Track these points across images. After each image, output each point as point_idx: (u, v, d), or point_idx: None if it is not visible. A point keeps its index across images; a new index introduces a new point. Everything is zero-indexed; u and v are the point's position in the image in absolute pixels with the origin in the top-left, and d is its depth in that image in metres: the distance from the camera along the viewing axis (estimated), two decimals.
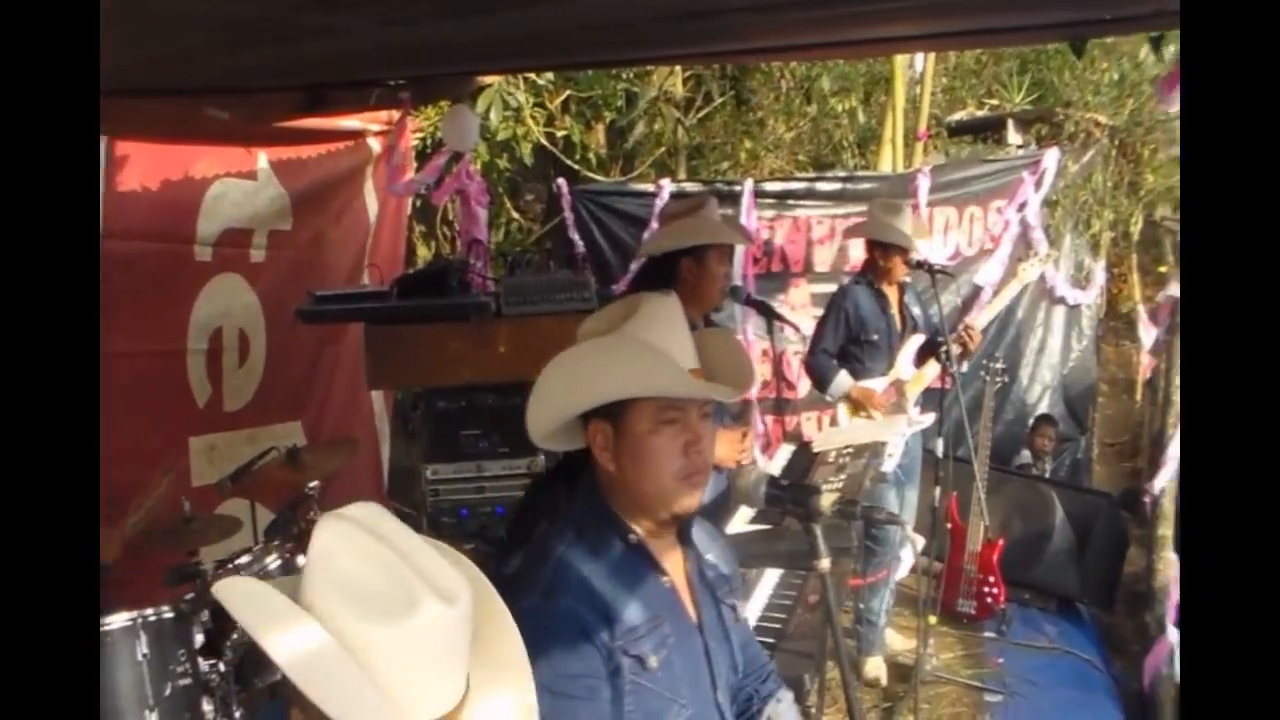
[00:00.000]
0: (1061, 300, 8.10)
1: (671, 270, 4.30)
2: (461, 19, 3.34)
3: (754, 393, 7.18)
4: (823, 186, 8.05)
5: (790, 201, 7.91)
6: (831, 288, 6.71)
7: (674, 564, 2.37)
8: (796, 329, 6.34)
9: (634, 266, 7.03)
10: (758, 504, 2.38)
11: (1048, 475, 7.69)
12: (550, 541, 2.28)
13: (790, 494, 2.37)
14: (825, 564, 2.33)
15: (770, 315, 4.95)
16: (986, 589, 6.11)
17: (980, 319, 6.13)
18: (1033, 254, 7.10)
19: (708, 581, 2.45)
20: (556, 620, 2.13)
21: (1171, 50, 5.91)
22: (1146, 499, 5.83)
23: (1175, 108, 5.07)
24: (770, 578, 3.94)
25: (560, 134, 9.35)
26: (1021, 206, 7.87)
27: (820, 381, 5.69)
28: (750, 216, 7.66)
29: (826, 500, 2.34)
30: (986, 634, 6.13)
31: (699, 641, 2.34)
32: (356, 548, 1.58)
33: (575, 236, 7.64)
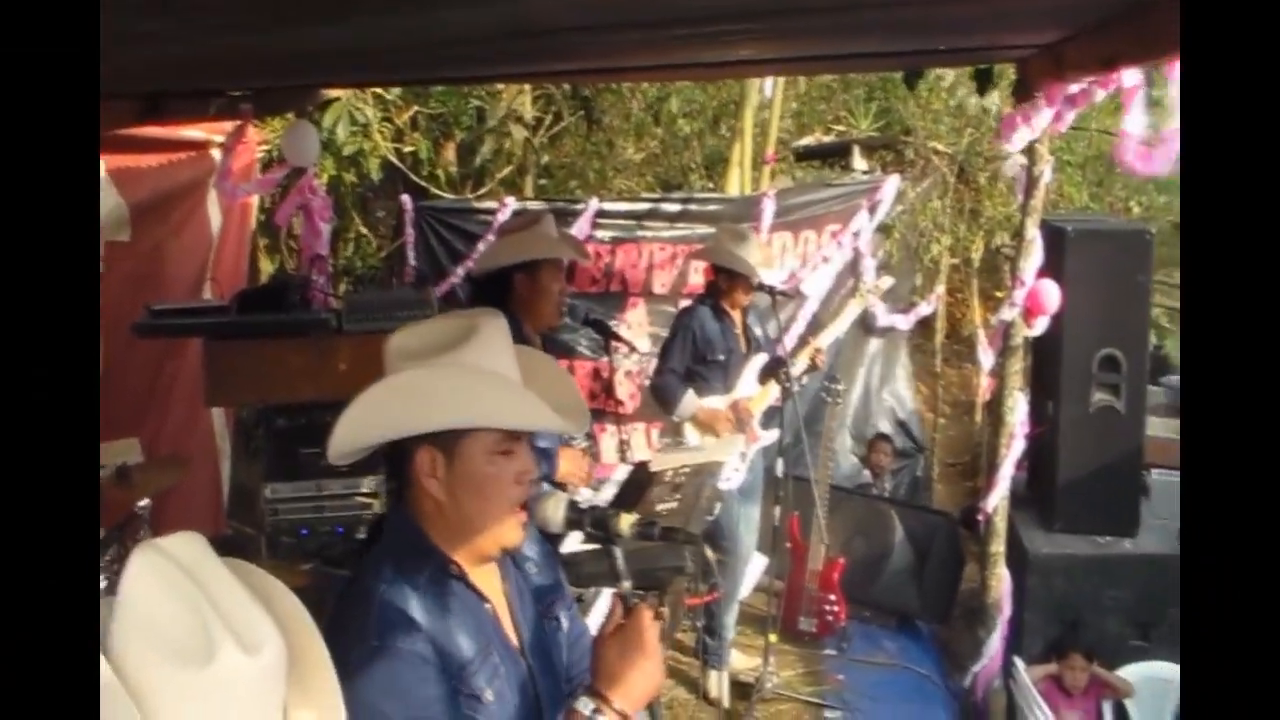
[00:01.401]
0: (880, 325, 8.28)
1: (506, 286, 4.28)
2: (300, 29, 3.29)
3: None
4: (669, 208, 8.12)
5: (635, 223, 7.95)
6: (670, 309, 6.77)
7: (493, 588, 2.32)
8: (633, 349, 6.38)
9: (459, 277, 7.03)
10: (557, 528, 2.36)
11: (888, 493, 7.83)
12: (368, 582, 2.18)
13: (589, 516, 2.36)
14: (626, 585, 2.32)
15: (608, 335, 4.96)
16: (827, 607, 6.18)
17: (822, 339, 6.21)
18: (865, 281, 7.27)
19: (529, 596, 2.42)
20: (396, 663, 2.05)
21: (1000, 88, 6.10)
22: (980, 517, 5.95)
23: (1015, 146, 5.26)
24: (606, 596, 3.93)
25: (409, 150, 9.29)
26: (855, 231, 8.03)
27: (668, 402, 5.71)
28: (587, 235, 7.67)
29: (625, 522, 2.33)
30: (827, 651, 6.21)
31: (523, 665, 2.30)
32: (164, 584, 1.52)
33: (412, 254, 7.58)
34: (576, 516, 2.34)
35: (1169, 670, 6.18)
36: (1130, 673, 6.08)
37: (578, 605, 3.97)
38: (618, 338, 5.03)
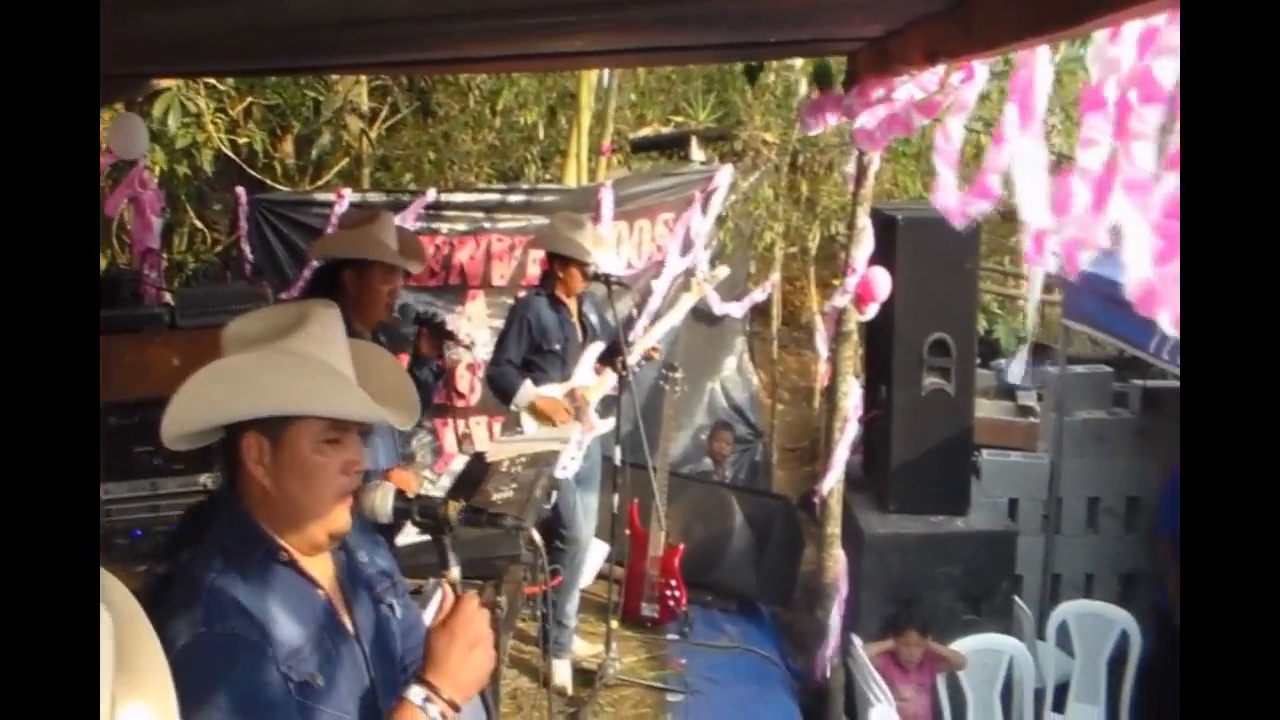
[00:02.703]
0: (714, 313, 8.36)
1: (336, 280, 4.23)
2: (128, 15, 3.20)
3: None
4: (507, 199, 8.09)
5: (473, 215, 7.91)
6: (509, 301, 6.77)
7: (325, 575, 2.30)
8: (469, 347, 6.35)
9: (307, 273, 6.92)
10: (385, 518, 2.35)
11: (728, 479, 7.92)
12: (195, 571, 2.14)
13: (416, 505, 2.36)
14: (455, 573, 2.33)
15: (442, 335, 4.94)
16: (668, 592, 6.23)
17: (658, 329, 6.24)
18: (699, 271, 7.35)
19: (362, 583, 2.41)
20: (226, 650, 2.02)
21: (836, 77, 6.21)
22: (816, 500, 6.05)
23: (814, 132, 5.36)
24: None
25: (244, 142, 9.11)
26: (688, 221, 8.10)
27: (504, 392, 5.70)
28: (421, 228, 7.62)
29: (452, 509, 2.33)
30: (669, 636, 6.26)
31: (357, 650, 2.29)
32: None
33: (247, 248, 7.44)
34: (404, 506, 2.33)
35: (999, 641, 6.37)
36: (963, 645, 6.24)
37: (417, 597, 3.96)
38: (451, 336, 5.01)
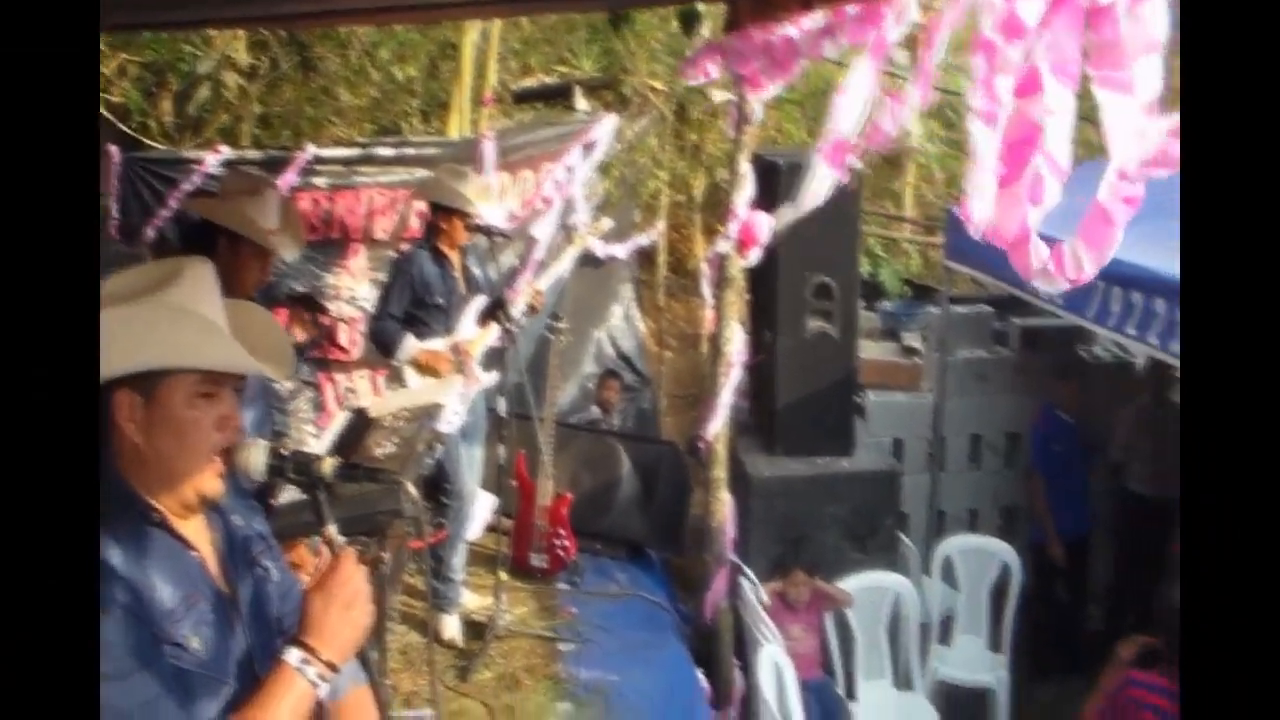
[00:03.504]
0: (599, 258, 8.36)
1: (210, 245, 4.15)
2: None
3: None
4: (387, 152, 7.98)
5: (353, 169, 7.80)
6: (390, 254, 6.71)
7: (199, 536, 2.26)
8: (339, 321, 6.30)
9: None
10: (259, 475, 2.32)
11: (616, 427, 7.95)
12: None
13: (290, 462, 2.33)
14: (332, 530, 2.32)
15: (314, 308, 4.88)
16: (557, 542, 6.24)
17: (543, 280, 6.23)
18: (582, 221, 7.35)
19: (238, 546, 2.38)
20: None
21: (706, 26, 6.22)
22: (702, 445, 6.10)
23: (694, 82, 5.36)
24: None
25: (118, 100, 8.89)
26: (570, 169, 8.08)
27: (386, 347, 5.65)
28: (299, 184, 7.51)
29: (327, 465, 2.32)
30: (559, 586, 6.27)
31: (233, 613, 2.27)
32: None
33: (115, 207, 7.26)
34: (278, 463, 2.31)
35: (885, 579, 6.50)
36: (850, 584, 6.36)
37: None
38: (323, 310, 4.95)
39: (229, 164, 7.21)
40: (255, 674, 2.23)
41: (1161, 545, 7.00)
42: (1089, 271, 2.21)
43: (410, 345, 5.55)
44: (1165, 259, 5.16)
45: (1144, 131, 1.98)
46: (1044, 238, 2.32)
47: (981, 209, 2.36)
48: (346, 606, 2.15)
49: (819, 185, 3.63)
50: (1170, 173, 1.94)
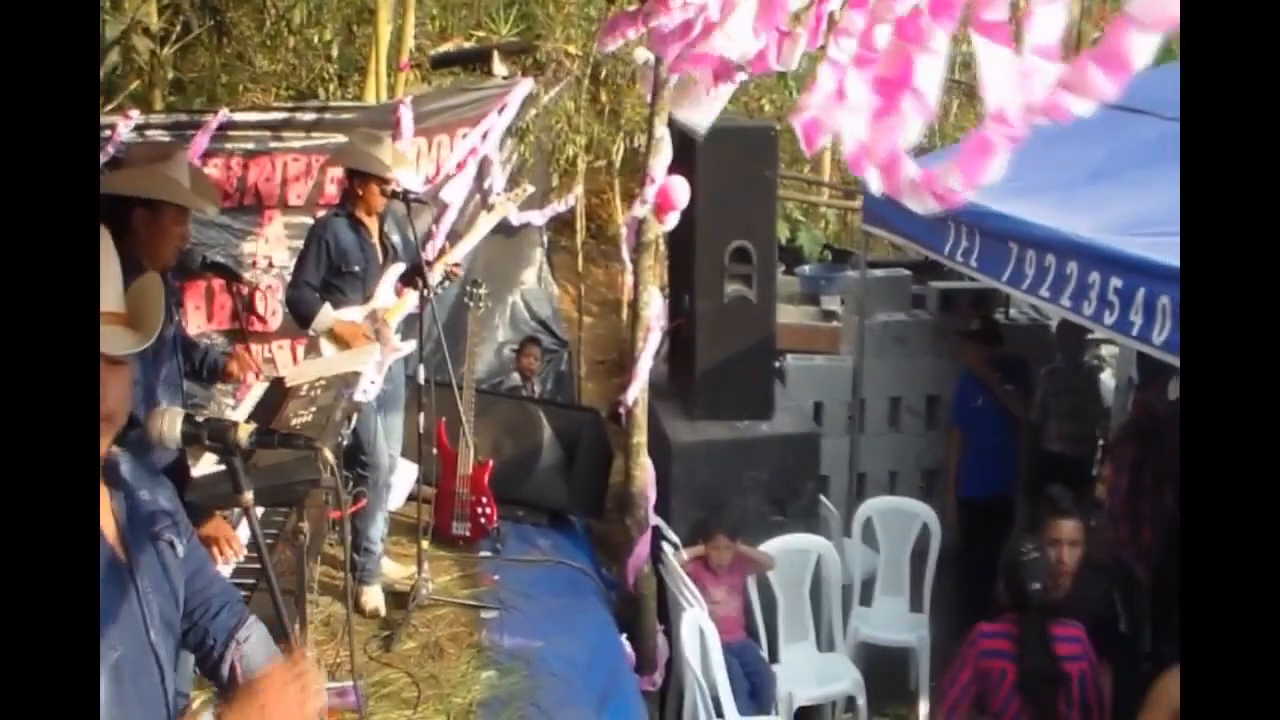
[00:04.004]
0: (517, 224, 8.32)
1: (124, 218, 4.05)
2: None
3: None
4: (303, 118, 7.89)
5: (268, 134, 7.70)
6: (307, 220, 6.63)
7: (101, 505, 2.25)
8: (254, 288, 6.20)
9: None
10: (174, 444, 2.30)
11: (538, 395, 7.94)
12: None
13: (206, 429, 2.31)
14: (248, 498, 2.30)
15: (229, 276, 4.79)
16: (479, 510, 6.22)
17: (458, 250, 6.17)
18: (498, 188, 7.31)
19: (140, 520, 2.35)
20: None
21: None
22: (622, 410, 6.11)
23: (612, 49, 5.33)
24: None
25: None
26: (484, 134, 8.03)
27: (303, 316, 5.57)
28: (212, 150, 7.42)
29: (243, 431, 2.30)
30: (482, 553, 6.25)
31: (130, 583, 2.24)
32: None
33: None
34: (193, 430, 2.29)
35: (807, 541, 6.55)
36: (771, 547, 6.40)
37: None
38: (238, 278, 4.88)
39: (140, 129, 7.09)
40: (151, 646, 2.22)
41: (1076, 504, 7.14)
42: (958, 191, 2.22)
43: (327, 314, 5.48)
44: (1077, 222, 5.22)
45: (1028, 77, 1.99)
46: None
47: (852, 138, 2.39)
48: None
49: (711, 102, 3.67)
50: (1063, 122, 1.96)
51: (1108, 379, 9.50)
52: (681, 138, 6.05)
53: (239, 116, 7.73)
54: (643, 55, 5.67)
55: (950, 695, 4.59)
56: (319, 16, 10.08)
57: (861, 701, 6.33)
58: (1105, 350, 9.72)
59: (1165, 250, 4.48)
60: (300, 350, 7.29)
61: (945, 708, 4.64)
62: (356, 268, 5.59)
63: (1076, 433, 7.68)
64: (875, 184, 2.40)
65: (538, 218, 8.52)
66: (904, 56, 2.31)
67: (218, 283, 7.03)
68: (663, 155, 5.78)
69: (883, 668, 6.81)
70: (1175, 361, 4.40)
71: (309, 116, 7.91)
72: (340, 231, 5.57)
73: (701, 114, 4.80)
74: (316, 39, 10.16)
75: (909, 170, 2.31)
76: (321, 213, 6.18)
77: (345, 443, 4.47)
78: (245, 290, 5.33)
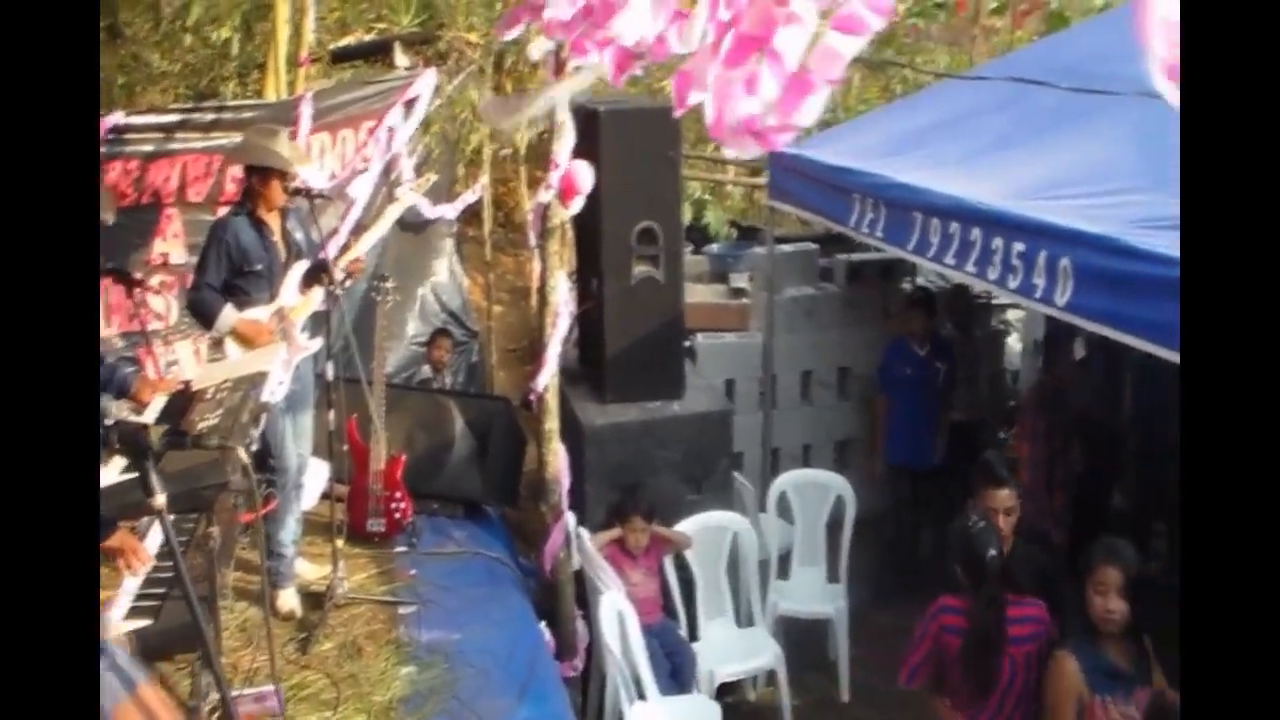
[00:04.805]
0: (424, 218, 8.30)
1: None
2: None
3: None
4: (202, 117, 7.81)
5: (167, 135, 7.61)
6: (208, 218, 6.56)
7: None
8: (156, 291, 6.11)
9: None
10: None
11: (450, 386, 7.92)
12: None
13: (115, 432, 2.31)
14: (160, 501, 2.30)
15: (129, 283, 4.73)
16: (393, 505, 6.21)
17: (363, 243, 6.12)
18: (406, 179, 7.27)
19: None
20: None
21: None
22: (533, 397, 6.12)
23: (510, 37, 5.32)
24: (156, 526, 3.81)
25: None
26: (390, 127, 7.98)
27: (206, 317, 5.51)
28: (111, 153, 7.32)
29: (154, 434, 2.30)
30: (398, 549, 6.23)
31: None
32: None
33: None
34: (103, 434, 2.28)
35: (722, 519, 6.60)
36: (688, 526, 6.45)
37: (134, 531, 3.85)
38: (138, 283, 4.81)
39: None
40: None
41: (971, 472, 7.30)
42: (775, 130, 2.27)
43: (229, 315, 5.43)
44: (979, 190, 5.31)
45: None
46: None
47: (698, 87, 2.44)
48: None
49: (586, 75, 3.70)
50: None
51: (1014, 343, 9.67)
52: (585, 122, 6.05)
53: (135, 119, 7.63)
54: (538, 51, 5.66)
55: (910, 661, 4.62)
56: (216, 14, 9.94)
57: (782, 674, 6.40)
58: (1011, 315, 9.89)
59: (1066, 214, 4.58)
60: (203, 346, 7.22)
61: (905, 672, 4.64)
62: (259, 266, 5.53)
63: (971, 399, 7.83)
64: (708, 115, 2.44)
65: (450, 211, 8.49)
66: (768, 16, 2.34)
67: (115, 288, 6.93)
68: (566, 140, 5.78)
69: (802, 640, 6.89)
70: (1079, 322, 4.50)
71: (208, 116, 7.82)
72: (241, 230, 5.52)
73: (507, 118, 4.82)
74: (214, 36, 10.02)
75: (732, 113, 2.36)
76: (222, 211, 6.12)
77: (254, 446, 4.44)
78: (141, 293, 5.25)
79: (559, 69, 5.67)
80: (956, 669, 4.44)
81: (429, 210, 8.02)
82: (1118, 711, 4.08)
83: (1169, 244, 3.94)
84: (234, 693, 4.24)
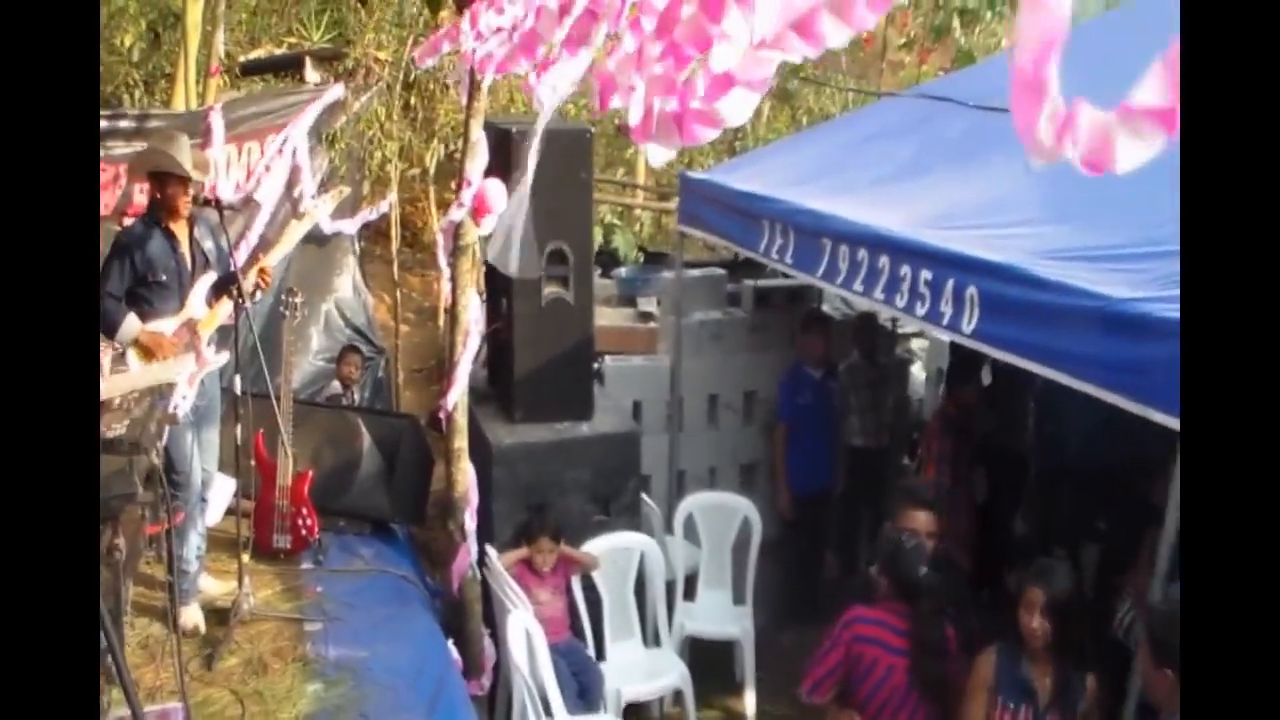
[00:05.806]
0: (328, 232, 8.25)
1: None
2: None
3: None
4: (110, 125, 7.69)
5: None
6: (112, 228, 6.46)
7: None
8: None
9: None
10: None
11: (358, 403, 7.87)
12: None
13: None
14: None
15: None
16: (300, 521, 6.15)
17: (272, 256, 6.07)
18: (308, 195, 7.22)
19: None
20: None
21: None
22: (442, 415, 6.10)
23: (429, 64, 5.32)
24: None
25: None
26: (290, 139, 7.93)
27: (107, 327, 5.42)
28: None
29: None
30: (304, 565, 6.18)
31: None
32: None
33: None
34: None
35: (630, 539, 6.63)
36: (595, 546, 6.46)
37: None
38: None
39: None
40: None
41: (877, 497, 7.39)
42: (697, 118, 2.31)
43: (132, 325, 5.35)
44: (888, 217, 5.40)
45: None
46: None
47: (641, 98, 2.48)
48: None
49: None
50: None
51: (918, 371, 9.80)
52: (498, 141, 6.05)
53: None
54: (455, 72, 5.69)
55: (814, 674, 4.59)
56: (120, 21, 9.80)
57: (689, 694, 6.44)
58: (915, 344, 10.03)
59: (972, 243, 4.67)
60: (105, 360, 7.09)
61: (807, 685, 4.64)
62: (164, 277, 5.46)
63: (876, 426, 7.93)
64: (634, 115, 2.47)
65: (349, 226, 8.44)
66: (701, 32, 2.38)
67: None
68: (479, 158, 5.78)
69: (708, 661, 6.93)
70: (985, 349, 4.59)
71: (117, 124, 7.72)
72: (146, 241, 5.44)
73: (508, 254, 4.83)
74: (118, 43, 9.88)
75: (661, 110, 2.40)
76: (129, 221, 6.03)
77: (159, 460, 4.37)
78: None
79: (474, 86, 5.69)
80: (871, 682, 4.48)
81: (328, 225, 7.95)
82: None
83: (1071, 274, 4.07)
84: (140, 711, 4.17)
